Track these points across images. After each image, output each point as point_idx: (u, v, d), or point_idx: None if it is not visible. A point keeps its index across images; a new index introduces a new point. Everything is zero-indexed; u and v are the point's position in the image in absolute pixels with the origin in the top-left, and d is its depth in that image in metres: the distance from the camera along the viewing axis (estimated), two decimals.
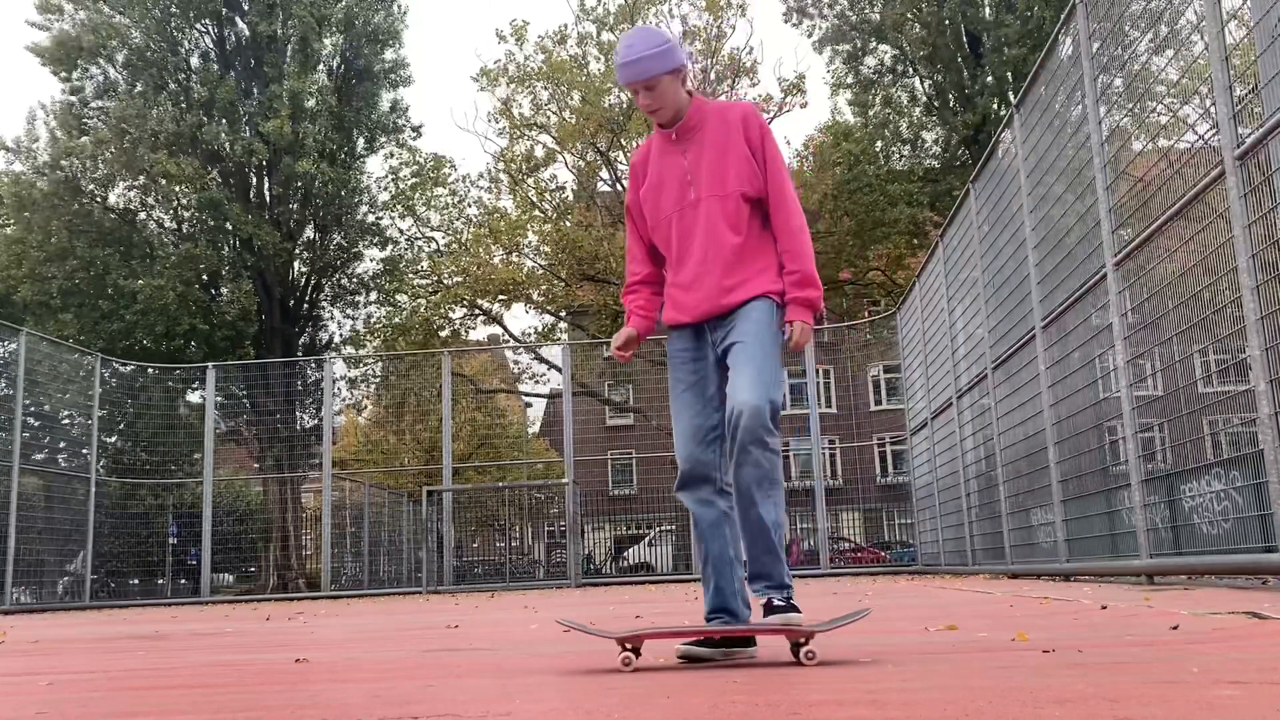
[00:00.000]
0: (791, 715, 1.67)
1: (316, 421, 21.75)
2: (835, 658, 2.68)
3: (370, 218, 26.36)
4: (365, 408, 28.28)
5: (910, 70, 24.09)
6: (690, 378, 2.91)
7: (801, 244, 2.84)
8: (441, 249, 27.65)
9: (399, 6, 26.23)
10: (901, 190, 23.31)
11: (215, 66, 24.06)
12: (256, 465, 23.78)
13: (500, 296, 26.72)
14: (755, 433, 2.67)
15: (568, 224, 25.92)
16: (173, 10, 23.70)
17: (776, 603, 2.71)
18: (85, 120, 23.79)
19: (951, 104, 23.24)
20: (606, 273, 25.30)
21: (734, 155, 2.86)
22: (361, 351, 26.17)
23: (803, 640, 2.58)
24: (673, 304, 2.96)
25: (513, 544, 29.50)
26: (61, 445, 17.20)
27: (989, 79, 22.12)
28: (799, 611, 2.71)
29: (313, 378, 22.39)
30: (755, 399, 2.68)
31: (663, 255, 3.03)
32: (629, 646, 2.63)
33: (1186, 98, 6.39)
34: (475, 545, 29.86)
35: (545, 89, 26.37)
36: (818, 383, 17.50)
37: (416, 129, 27.20)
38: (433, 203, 27.67)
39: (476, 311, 27.54)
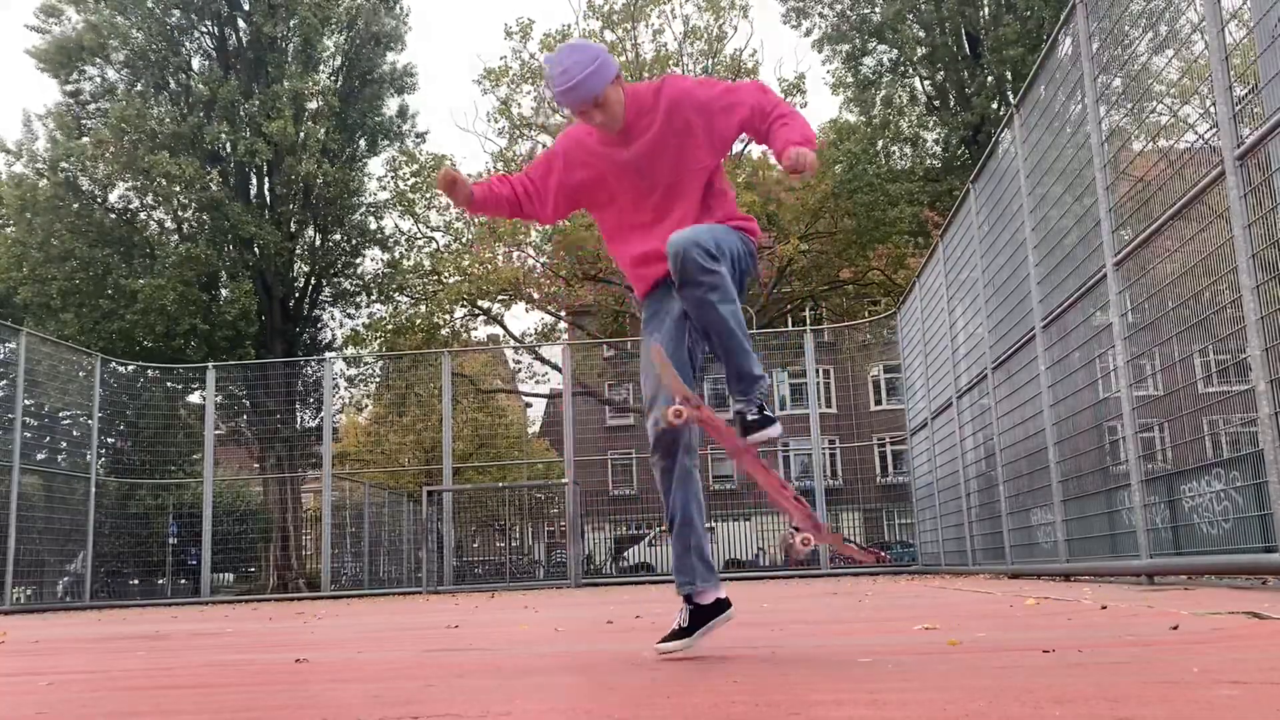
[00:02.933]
0: (792, 715, 1.67)
1: (317, 421, 21.74)
2: (835, 658, 2.68)
3: (371, 220, 26.38)
4: (365, 407, 28.27)
5: (910, 70, 24.09)
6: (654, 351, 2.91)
7: (796, 118, 2.82)
8: (442, 249, 27.67)
9: (402, 8, 26.25)
10: (903, 190, 23.29)
11: (216, 67, 24.06)
12: (256, 465, 23.77)
13: (500, 296, 26.74)
14: (693, 266, 2.62)
15: (568, 224, 25.93)
16: (174, 10, 23.70)
17: (750, 418, 2.75)
18: (85, 121, 23.79)
19: (951, 104, 23.23)
20: (608, 273, 25.31)
21: (685, 138, 2.83)
22: (361, 351, 26.18)
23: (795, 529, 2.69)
24: (636, 280, 3.00)
25: (513, 544, 29.50)
26: (62, 445, 17.20)
27: (989, 79, 22.12)
28: (774, 421, 2.74)
29: (313, 377, 22.38)
30: (687, 237, 2.64)
31: (516, 194, 3.00)
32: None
33: (1186, 98, 6.39)
34: (475, 545, 29.87)
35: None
36: (818, 383, 17.49)
37: (421, 135, 27.25)
38: (433, 202, 27.69)
39: (476, 311, 27.56)
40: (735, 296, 2.71)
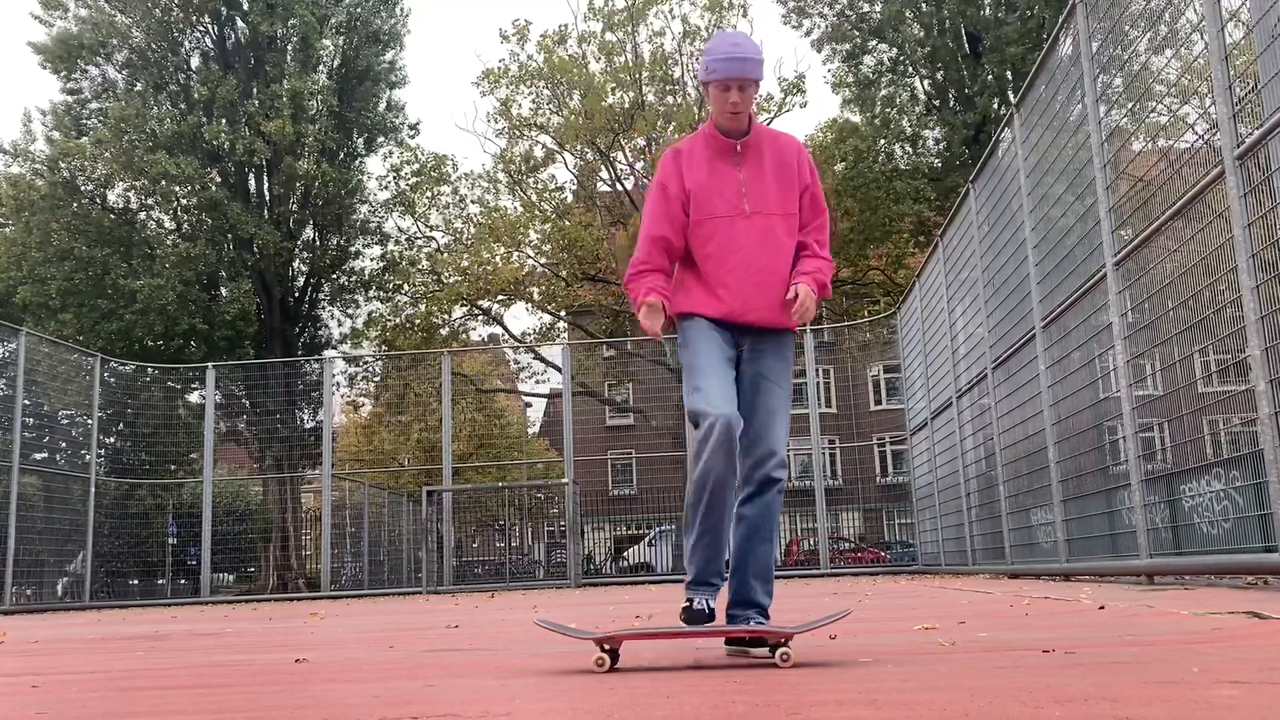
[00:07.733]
0: (792, 715, 1.67)
1: (316, 422, 21.74)
2: (835, 658, 2.68)
3: (371, 219, 26.38)
4: (364, 406, 28.26)
5: (910, 70, 24.07)
6: (720, 355, 2.90)
7: (827, 257, 3.06)
8: (442, 248, 27.67)
9: (401, 9, 26.25)
10: (908, 188, 23.24)
11: (215, 66, 24.06)
12: (256, 465, 23.77)
13: (500, 296, 26.73)
14: (779, 479, 2.89)
15: (567, 224, 25.93)
16: (173, 10, 23.70)
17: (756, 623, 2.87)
18: (84, 120, 23.79)
19: (952, 103, 23.22)
20: (607, 273, 25.31)
21: (789, 183, 2.99)
22: (361, 350, 26.17)
23: (782, 641, 2.61)
24: (705, 297, 2.95)
25: (513, 544, 29.51)
26: (61, 445, 17.19)
27: (989, 78, 22.11)
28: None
29: (313, 377, 22.37)
30: (783, 450, 2.93)
31: (677, 250, 3.01)
32: (606, 648, 2.63)
33: (1186, 98, 6.39)
34: (475, 545, 29.87)
35: (546, 89, 26.38)
36: (818, 383, 17.49)
37: (413, 126, 27.21)
38: (434, 201, 27.69)
39: (476, 311, 27.56)
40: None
